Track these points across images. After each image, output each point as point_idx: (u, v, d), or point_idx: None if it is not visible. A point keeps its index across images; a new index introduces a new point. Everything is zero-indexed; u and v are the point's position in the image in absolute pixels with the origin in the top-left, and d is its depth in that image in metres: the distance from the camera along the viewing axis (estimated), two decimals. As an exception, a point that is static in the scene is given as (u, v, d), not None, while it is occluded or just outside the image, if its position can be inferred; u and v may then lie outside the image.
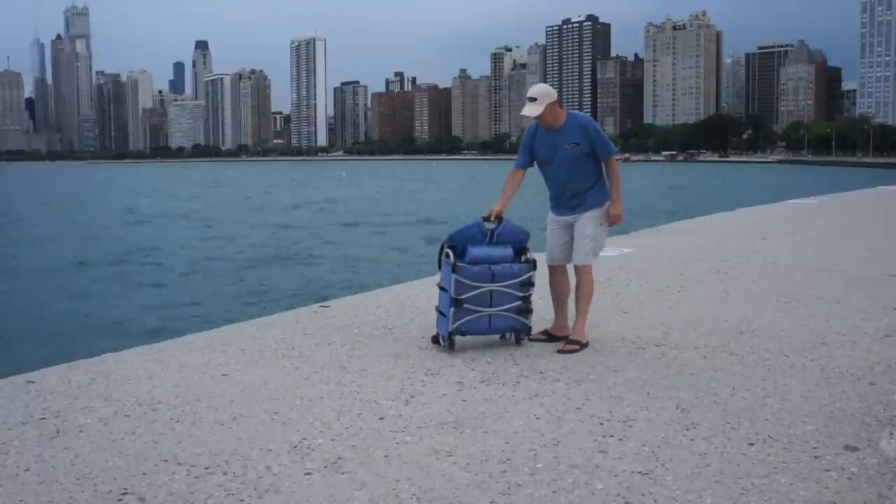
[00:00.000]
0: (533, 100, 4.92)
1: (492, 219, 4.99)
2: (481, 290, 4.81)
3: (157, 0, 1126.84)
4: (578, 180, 5.06)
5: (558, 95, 5.09)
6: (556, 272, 5.28)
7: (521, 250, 5.01)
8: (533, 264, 4.95)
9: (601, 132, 5.07)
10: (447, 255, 4.93)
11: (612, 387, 4.23)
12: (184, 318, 14.93)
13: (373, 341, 5.18)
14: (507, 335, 5.11)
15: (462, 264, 4.84)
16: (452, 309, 4.79)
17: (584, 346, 4.91)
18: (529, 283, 4.94)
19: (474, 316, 4.83)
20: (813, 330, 5.43)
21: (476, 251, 4.89)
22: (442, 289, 4.97)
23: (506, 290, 4.86)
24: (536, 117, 4.97)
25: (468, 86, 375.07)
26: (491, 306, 4.85)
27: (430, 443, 3.47)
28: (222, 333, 5.51)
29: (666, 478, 3.10)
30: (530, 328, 5.05)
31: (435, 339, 5.03)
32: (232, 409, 3.91)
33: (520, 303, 4.90)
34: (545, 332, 5.21)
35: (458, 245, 4.94)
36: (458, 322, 4.81)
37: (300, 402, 3.99)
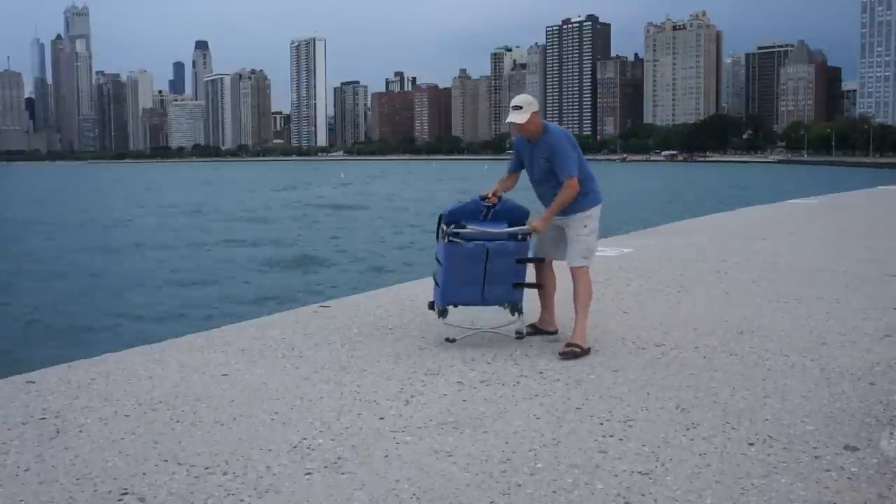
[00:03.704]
0: (518, 108, 4.98)
1: (490, 197, 5.09)
2: (475, 269, 4.97)
3: (157, 0, 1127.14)
4: (554, 190, 5.07)
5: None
6: (541, 266, 5.32)
7: (518, 225, 5.10)
8: (528, 242, 5.10)
9: (566, 151, 4.99)
10: (443, 230, 5.05)
11: (612, 387, 4.22)
12: (184, 318, 14.94)
13: (373, 341, 5.18)
14: (504, 305, 5.22)
15: (457, 240, 4.95)
16: (445, 282, 4.99)
17: (585, 350, 4.82)
18: (525, 262, 5.12)
19: (467, 289, 5.01)
20: (813, 330, 5.43)
21: (471, 225, 5.01)
22: (438, 261, 5.14)
23: (500, 268, 5.00)
24: (520, 125, 5.00)
25: (468, 86, 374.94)
26: (484, 283, 4.98)
27: (430, 443, 3.47)
28: (222, 333, 5.51)
29: (666, 478, 3.10)
30: (521, 309, 5.17)
31: (430, 306, 5.25)
32: (232, 409, 3.91)
33: (514, 279, 5.06)
34: (532, 326, 5.30)
35: (454, 220, 5.04)
36: (451, 296, 5.05)
37: (300, 402, 3.99)
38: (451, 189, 67.61)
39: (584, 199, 5.11)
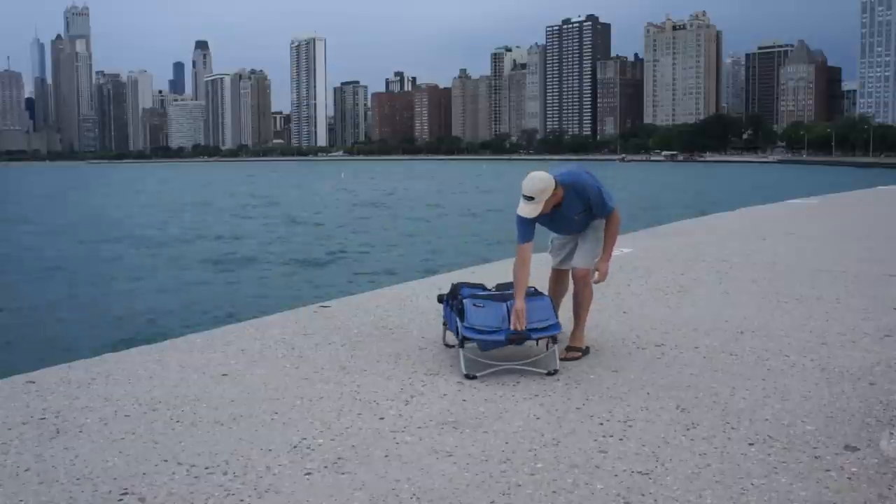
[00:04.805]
0: (530, 199, 4.53)
1: (520, 329, 4.44)
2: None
3: (157, 0, 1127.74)
4: (587, 221, 4.96)
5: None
6: (559, 277, 5.23)
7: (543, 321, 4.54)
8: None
9: (599, 191, 4.75)
10: (458, 326, 4.50)
11: (612, 387, 4.22)
12: (184, 318, 14.95)
13: (373, 341, 5.17)
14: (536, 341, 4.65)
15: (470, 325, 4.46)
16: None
17: (585, 352, 4.84)
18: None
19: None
20: (813, 330, 5.43)
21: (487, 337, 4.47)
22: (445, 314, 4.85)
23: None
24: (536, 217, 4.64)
25: (468, 86, 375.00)
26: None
27: (430, 443, 3.46)
28: (222, 333, 5.50)
29: (666, 478, 3.10)
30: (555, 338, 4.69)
31: (440, 300, 4.95)
32: (232, 409, 3.90)
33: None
34: None
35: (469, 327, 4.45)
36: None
37: (300, 402, 3.99)
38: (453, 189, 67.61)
39: (604, 206, 4.98)
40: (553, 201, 4.64)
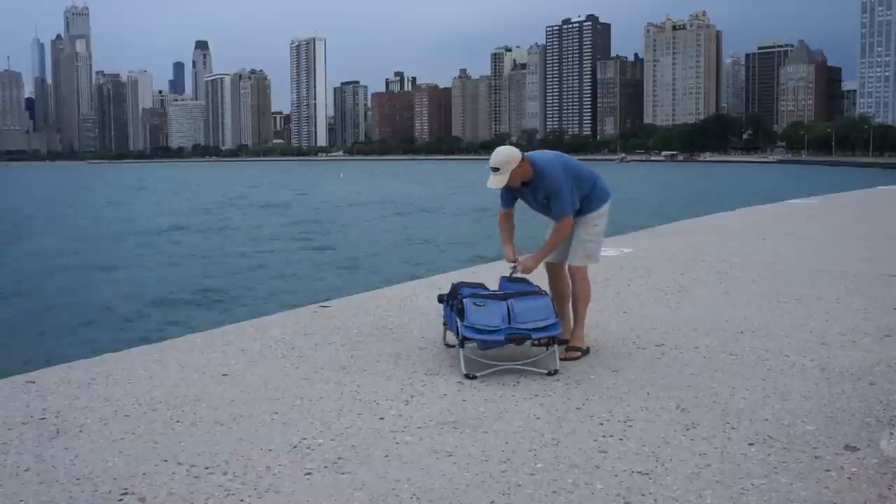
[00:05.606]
0: (496, 170, 4.70)
1: (516, 265, 4.86)
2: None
3: (157, 0, 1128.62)
4: (578, 218, 4.99)
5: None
6: (554, 272, 5.20)
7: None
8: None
9: (563, 194, 4.78)
10: (457, 311, 4.50)
11: (612, 387, 4.22)
12: (184, 318, 14.95)
13: (373, 341, 5.17)
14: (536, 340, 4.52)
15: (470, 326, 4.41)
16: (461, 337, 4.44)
17: (585, 352, 4.82)
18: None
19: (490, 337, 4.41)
20: (813, 330, 5.43)
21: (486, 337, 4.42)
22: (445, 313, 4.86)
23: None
24: (504, 188, 4.80)
25: (468, 86, 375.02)
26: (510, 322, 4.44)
27: (430, 443, 3.46)
28: (222, 333, 5.50)
29: (666, 478, 3.10)
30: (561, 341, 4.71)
31: (440, 299, 4.92)
32: (232, 409, 3.90)
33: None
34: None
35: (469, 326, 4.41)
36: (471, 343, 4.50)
37: (300, 402, 3.99)
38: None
39: (592, 203, 5.01)
40: (521, 175, 4.78)
